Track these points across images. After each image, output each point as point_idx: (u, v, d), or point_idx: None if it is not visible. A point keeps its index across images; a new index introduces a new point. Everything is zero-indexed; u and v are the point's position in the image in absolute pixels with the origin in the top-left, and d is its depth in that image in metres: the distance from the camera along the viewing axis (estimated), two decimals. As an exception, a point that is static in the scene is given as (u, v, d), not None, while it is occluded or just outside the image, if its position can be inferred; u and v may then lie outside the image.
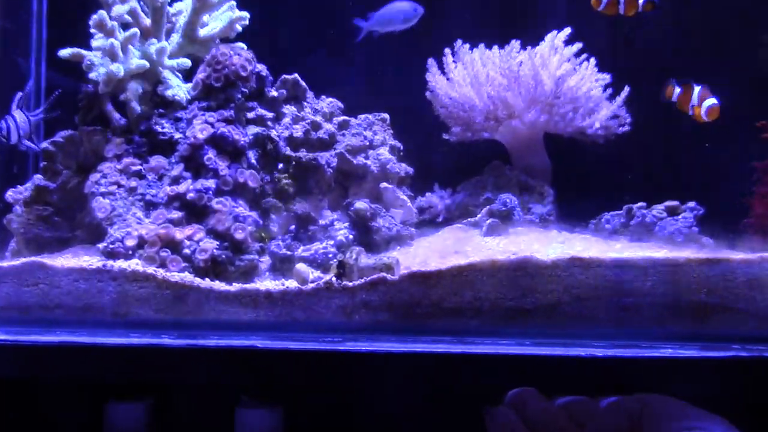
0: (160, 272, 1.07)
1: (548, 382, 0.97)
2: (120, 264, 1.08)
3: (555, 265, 1.03)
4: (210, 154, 1.18)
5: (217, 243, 1.13)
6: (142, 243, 1.12)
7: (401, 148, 1.41)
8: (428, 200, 1.38)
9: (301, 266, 1.10)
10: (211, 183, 1.17)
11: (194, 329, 1.06)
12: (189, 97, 1.26)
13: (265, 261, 1.17)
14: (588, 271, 1.03)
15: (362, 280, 1.04)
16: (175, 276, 1.07)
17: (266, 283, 1.09)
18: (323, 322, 1.05)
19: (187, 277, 1.08)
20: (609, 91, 1.41)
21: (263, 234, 1.20)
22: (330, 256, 1.12)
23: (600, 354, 0.97)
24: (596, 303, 1.02)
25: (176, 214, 1.14)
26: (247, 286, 1.06)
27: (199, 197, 1.16)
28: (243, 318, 1.06)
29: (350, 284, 1.04)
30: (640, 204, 1.34)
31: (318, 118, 1.35)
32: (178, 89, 1.26)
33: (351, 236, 1.16)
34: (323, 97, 1.43)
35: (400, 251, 1.17)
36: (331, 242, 1.15)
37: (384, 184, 1.29)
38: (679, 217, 1.32)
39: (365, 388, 1.06)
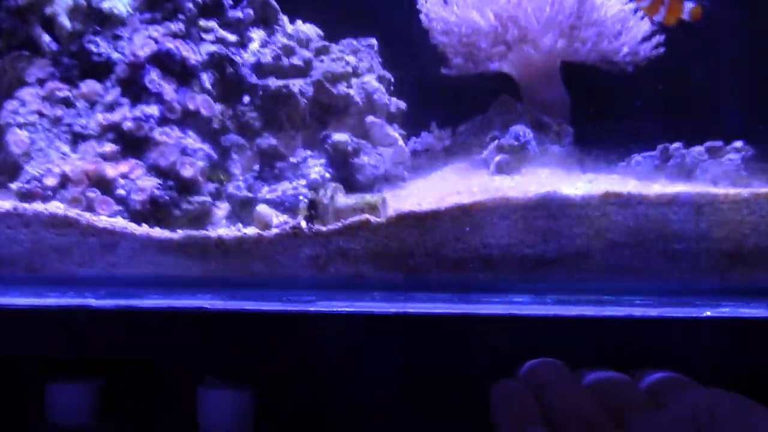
0: (85, 216, 0.84)
1: (575, 350, 0.75)
2: (35, 207, 0.85)
3: (585, 203, 0.81)
4: (153, 75, 0.95)
5: (159, 181, 0.90)
6: (65, 182, 0.89)
7: (392, 79, 1.18)
8: (424, 141, 1.15)
9: (262, 208, 0.87)
10: (153, 110, 0.94)
11: (127, 286, 0.84)
12: (130, 11, 1.03)
13: (224, 208, 0.95)
14: (626, 211, 0.81)
15: (339, 224, 0.82)
16: (102, 221, 0.84)
17: (219, 231, 0.86)
18: (290, 276, 0.82)
19: (119, 222, 0.85)
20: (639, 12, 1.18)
21: (222, 176, 0.98)
22: (301, 197, 0.89)
23: (640, 314, 0.75)
24: (637, 250, 0.80)
25: (109, 148, 0.92)
26: (194, 232, 0.84)
27: (138, 127, 0.93)
28: (189, 273, 0.84)
29: (324, 229, 0.82)
30: (676, 144, 1.12)
31: (291, 43, 1.12)
32: (117, 0, 1.03)
33: (328, 175, 0.94)
34: (299, 22, 1.20)
35: (390, 194, 0.95)
36: (303, 182, 0.92)
37: (371, 118, 1.06)
38: (723, 158, 1.10)
39: (345, 359, 0.84)
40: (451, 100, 1.23)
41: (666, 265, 0.80)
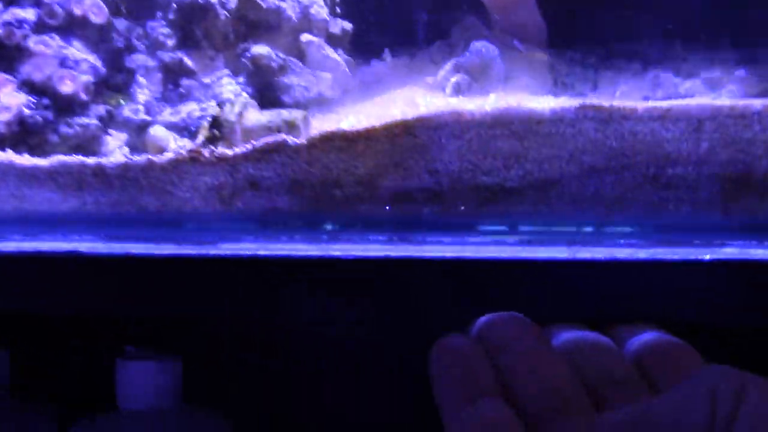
0: (-72, 139, 0.67)
1: (541, 302, 0.58)
2: None
3: (557, 118, 0.64)
4: (29, -28, 0.78)
5: (31, 99, 0.72)
6: None
7: (337, -3, 1.00)
8: (374, 69, 0.97)
9: (157, 130, 0.70)
10: (29, 14, 0.76)
11: (-20, 226, 0.67)
12: None
13: (120, 138, 0.77)
14: (608, 127, 0.64)
15: (249, 146, 0.65)
16: (-47, 145, 0.67)
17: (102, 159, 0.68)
18: (188, 212, 0.66)
19: (-26, 147, 0.68)
20: None
21: (122, 101, 0.80)
22: (209, 119, 0.71)
23: (625, 257, 0.59)
24: (621, 177, 0.64)
25: (-30, 58, 0.74)
26: (67, 158, 0.66)
27: (8, 33, 0.74)
28: (61, 207, 0.66)
29: (229, 152, 0.65)
30: (667, 74, 0.96)
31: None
32: None
33: (245, 95, 0.76)
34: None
35: (321, 117, 0.77)
36: (214, 103, 0.75)
37: (307, 37, 0.89)
38: (723, 91, 0.93)
39: (258, 313, 0.67)
40: (408, 24, 1.06)
41: (657, 196, 0.64)
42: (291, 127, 0.66)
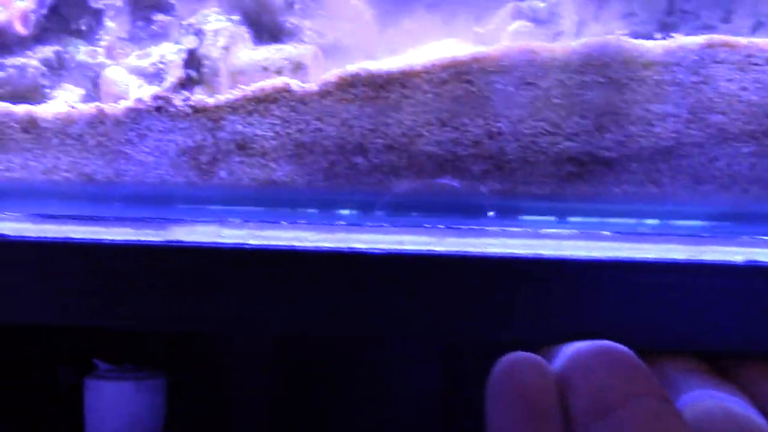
0: None
1: (658, 323, 0.40)
2: None
3: (673, 60, 0.45)
4: None
5: (-53, 28, 0.54)
6: None
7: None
8: (404, 25, 0.78)
9: (113, 71, 0.51)
10: None
11: None
12: None
13: (72, 91, 0.58)
14: (748, 75, 0.45)
15: (238, 93, 0.46)
16: None
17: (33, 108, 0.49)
18: (150, 181, 0.47)
19: None
20: None
21: (80, 46, 0.61)
22: (183, 56, 0.52)
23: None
24: (765, 147, 0.45)
25: None
26: (-11, 105, 0.48)
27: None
28: (-24, 174, 0.48)
29: (210, 101, 0.46)
30: None
31: None
32: None
33: (232, 26, 0.57)
34: None
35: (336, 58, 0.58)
36: (196, 41, 0.56)
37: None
38: None
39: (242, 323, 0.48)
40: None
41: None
42: (296, 68, 0.47)
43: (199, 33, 0.50)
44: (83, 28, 0.62)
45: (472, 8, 0.78)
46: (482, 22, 0.74)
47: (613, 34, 0.46)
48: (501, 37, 0.65)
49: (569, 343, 0.37)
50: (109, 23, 0.63)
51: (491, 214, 0.47)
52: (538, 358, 0.36)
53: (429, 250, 0.43)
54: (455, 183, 0.47)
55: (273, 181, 0.46)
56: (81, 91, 0.59)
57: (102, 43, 0.60)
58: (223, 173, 0.46)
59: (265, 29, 0.62)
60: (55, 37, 0.60)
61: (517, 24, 0.63)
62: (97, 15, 0.64)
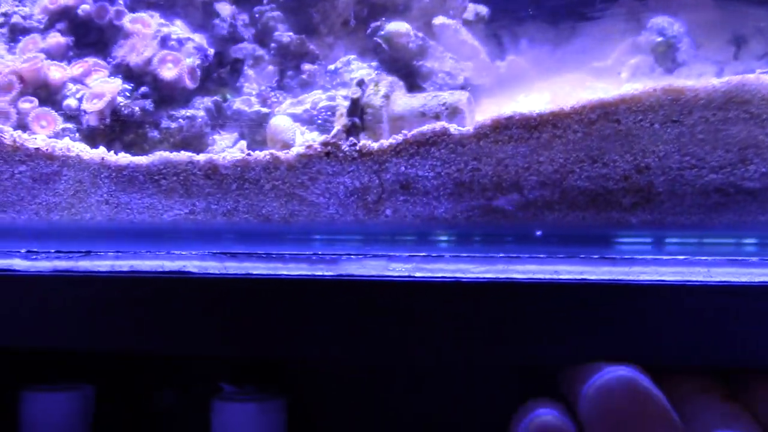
0: (9, 134, 0.54)
1: None
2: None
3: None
4: (124, -60, 0.65)
5: (127, 86, 0.60)
6: (-10, 90, 0.60)
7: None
8: (512, 60, 0.82)
9: (280, 120, 0.56)
10: (123, -12, 0.64)
11: (76, 238, 0.54)
12: None
13: (228, 138, 0.64)
14: None
15: (400, 137, 0.50)
16: (38, 141, 0.54)
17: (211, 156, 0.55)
18: (322, 220, 0.51)
19: (63, 143, 0.55)
20: None
21: (228, 95, 0.67)
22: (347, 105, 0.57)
23: None
24: None
25: (56, 40, 0.62)
26: (172, 155, 0.53)
27: (100, 11, 0.62)
28: (164, 216, 0.53)
29: (375, 145, 0.51)
30: None
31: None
32: None
33: (388, 77, 0.61)
34: None
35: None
36: (344, 92, 0.61)
37: (441, 19, 0.74)
38: None
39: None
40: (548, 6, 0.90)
41: None
42: (453, 113, 0.51)
43: (361, 83, 0.54)
44: (228, 79, 0.68)
45: (576, 43, 0.82)
46: (593, 56, 0.77)
47: (753, 73, 0.49)
48: (621, 71, 0.68)
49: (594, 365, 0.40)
50: (251, 74, 0.68)
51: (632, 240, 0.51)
52: (560, 422, 0.39)
53: (582, 279, 0.47)
54: (582, 215, 0.50)
55: (435, 218, 0.50)
56: (234, 136, 0.64)
57: (251, 90, 0.65)
58: (388, 211, 0.51)
59: (401, 73, 0.66)
60: (206, 87, 0.66)
61: (638, 58, 0.67)
62: (239, 65, 0.70)
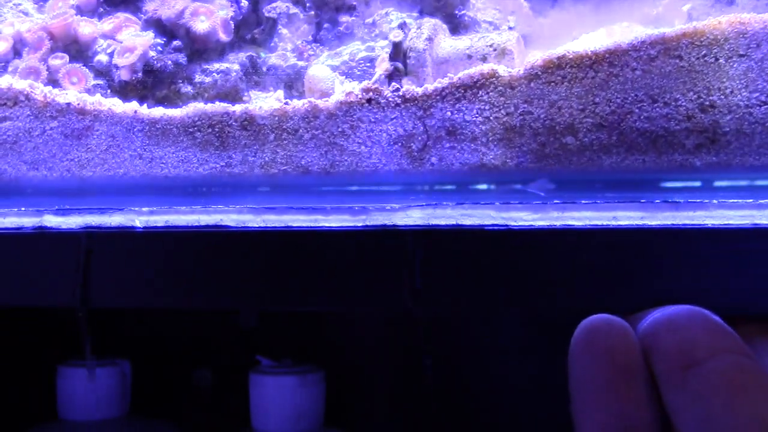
0: (40, 89, 0.53)
1: None
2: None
3: None
4: None
5: (159, 40, 0.57)
6: (19, 48, 0.58)
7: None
8: (555, 14, 0.79)
9: (318, 69, 0.54)
10: (153, -59, 0.62)
11: (100, 195, 0.52)
12: None
13: (263, 95, 0.61)
14: None
15: (446, 81, 0.48)
16: (69, 95, 0.53)
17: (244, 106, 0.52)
18: (364, 170, 0.49)
19: (94, 98, 0.53)
20: None
21: (262, 54, 0.65)
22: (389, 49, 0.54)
23: None
24: None
25: (87, -3, 0.60)
26: (207, 107, 0.51)
27: (130, -36, 0.61)
28: (199, 170, 0.51)
29: (419, 90, 0.48)
30: None
31: None
32: None
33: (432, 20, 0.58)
34: None
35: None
36: (382, 43, 0.58)
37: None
38: None
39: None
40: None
41: None
42: (501, 54, 0.48)
43: (403, 26, 0.51)
44: (261, 39, 0.65)
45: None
46: (643, 2, 0.74)
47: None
48: (674, 19, 0.64)
49: (651, 309, 0.38)
50: (285, 33, 0.66)
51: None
52: (620, 319, 0.36)
53: (642, 224, 0.44)
54: (641, 158, 0.47)
55: (483, 165, 0.48)
56: (271, 92, 0.62)
57: (289, 46, 0.63)
58: (434, 159, 0.48)
59: (442, 20, 0.63)
60: (241, 40, 0.64)
61: (691, 4, 0.63)
62: (272, 24, 0.67)
